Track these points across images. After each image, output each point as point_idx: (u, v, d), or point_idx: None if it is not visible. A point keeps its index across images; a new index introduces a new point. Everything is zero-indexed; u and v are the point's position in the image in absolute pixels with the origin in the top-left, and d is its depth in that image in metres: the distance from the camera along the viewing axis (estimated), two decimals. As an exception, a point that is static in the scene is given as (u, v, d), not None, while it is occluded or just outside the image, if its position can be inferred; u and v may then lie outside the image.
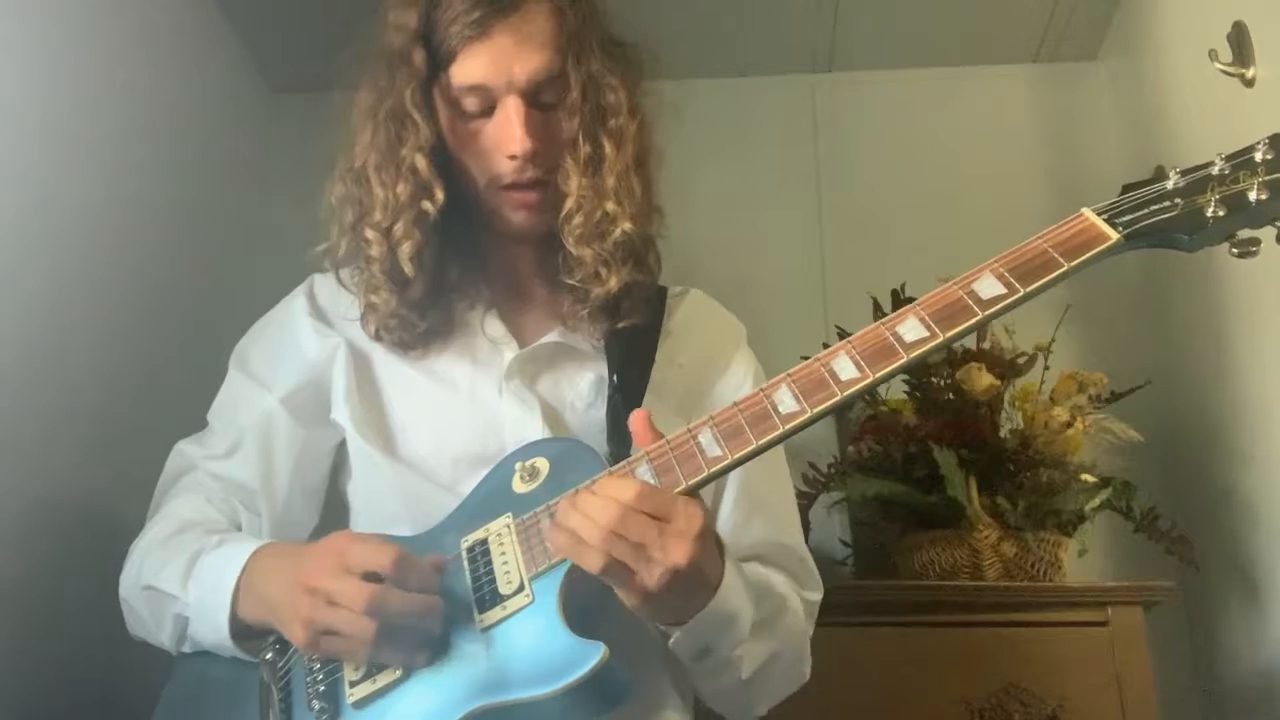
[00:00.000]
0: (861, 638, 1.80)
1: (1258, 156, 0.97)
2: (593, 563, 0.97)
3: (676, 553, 0.97)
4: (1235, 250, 0.99)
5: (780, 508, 1.30)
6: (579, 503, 0.99)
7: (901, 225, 2.52)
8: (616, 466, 1.06)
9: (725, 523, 1.24)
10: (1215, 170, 0.99)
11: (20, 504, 1.56)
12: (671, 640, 1.07)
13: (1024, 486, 1.90)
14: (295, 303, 1.35)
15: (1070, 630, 1.80)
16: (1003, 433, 1.97)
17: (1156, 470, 2.15)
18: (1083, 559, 1.93)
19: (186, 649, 1.20)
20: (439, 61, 1.21)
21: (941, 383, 1.99)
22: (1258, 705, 1.94)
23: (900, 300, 2.00)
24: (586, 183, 1.21)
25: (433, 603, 1.04)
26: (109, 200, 1.87)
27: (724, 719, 1.25)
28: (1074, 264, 0.98)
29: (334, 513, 1.32)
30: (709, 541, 1.01)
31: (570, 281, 1.24)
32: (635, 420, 1.06)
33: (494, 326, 1.28)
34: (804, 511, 2.01)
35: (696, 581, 1.01)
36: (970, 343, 2.01)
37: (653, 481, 1.02)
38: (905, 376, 2.02)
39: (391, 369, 1.28)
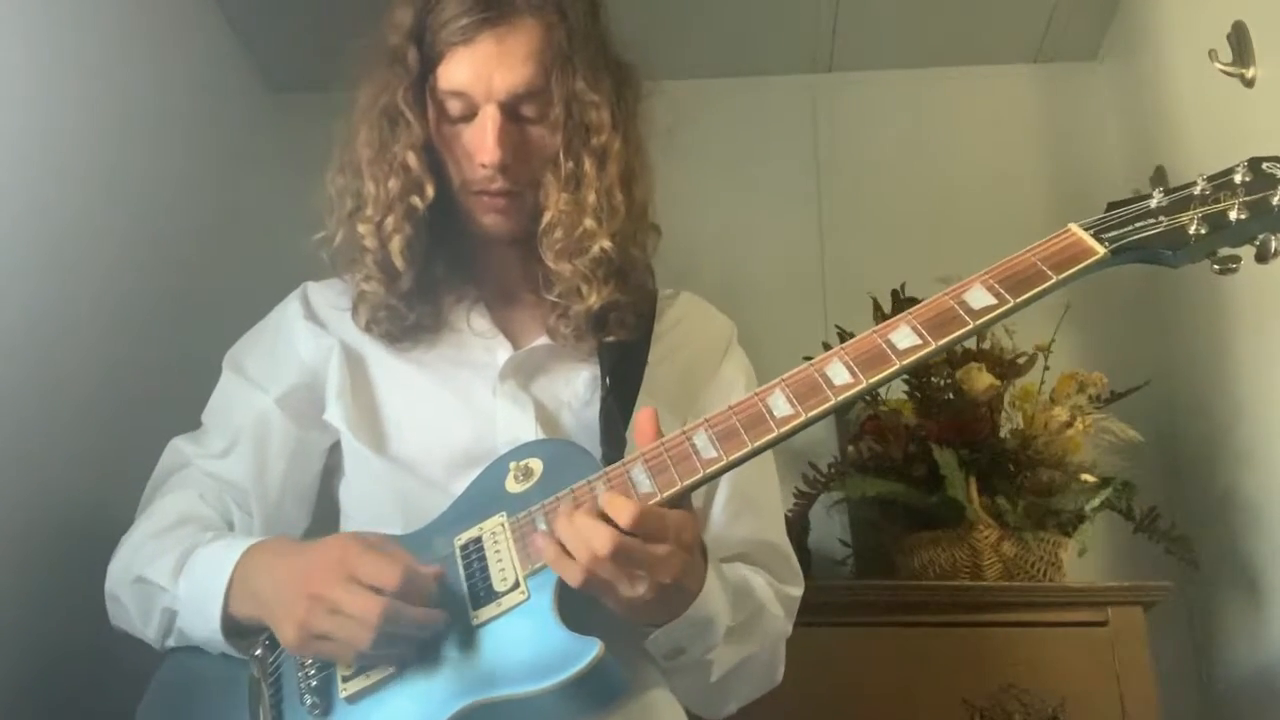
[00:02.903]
0: (861, 638, 1.80)
1: (1237, 178, 1.02)
2: (573, 578, 1.00)
3: (663, 570, 1.00)
4: (1216, 267, 1.04)
5: (767, 507, 1.31)
6: (576, 522, 1.00)
7: (901, 225, 2.52)
8: (611, 467, 1.07)
9: (715, 520, 1.25)
10: (1197, 190, 1.03)
11: (18, 503, 1.56)
12: (648, 639, 1.09)
13: (1024, 486, 1.90)
14: (290, 307, 1.36)
15: (1070, 630, 1.80)
16: (1003, 433, 1.97)
17: (1156, 470, 2.15)
18: (1083, 559, 1.93)
19: (173, 643, 1.19)
20: (429, 62, 1.23)
21: (941, 383, 1.99)
22: (1258, 705, 1.94)
23: (900, 300, 2.00)
24: (568, 198, 1.22)
25: (437, 616, 1.04)
26: (108, 200, 1.88)
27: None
28: (1061, 277, 1.02)
29: (326, 516, 1.32)
30: (695, 555, 1.04)
31: (550, 297, 1.25)
32: (641, 418, 1.07)
33: (480, 322, 1.30)
34: (804, 511, 2.02)
35: (676, 593, 1.04)
36: (970, 343, 2.01)
37: (648, 482, 1.03)
38: (905, 376, 2.02)
39: (385, 368, 1.29)
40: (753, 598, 1.18)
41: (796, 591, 1.27)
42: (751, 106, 2.65)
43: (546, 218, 1.23)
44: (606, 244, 1.22)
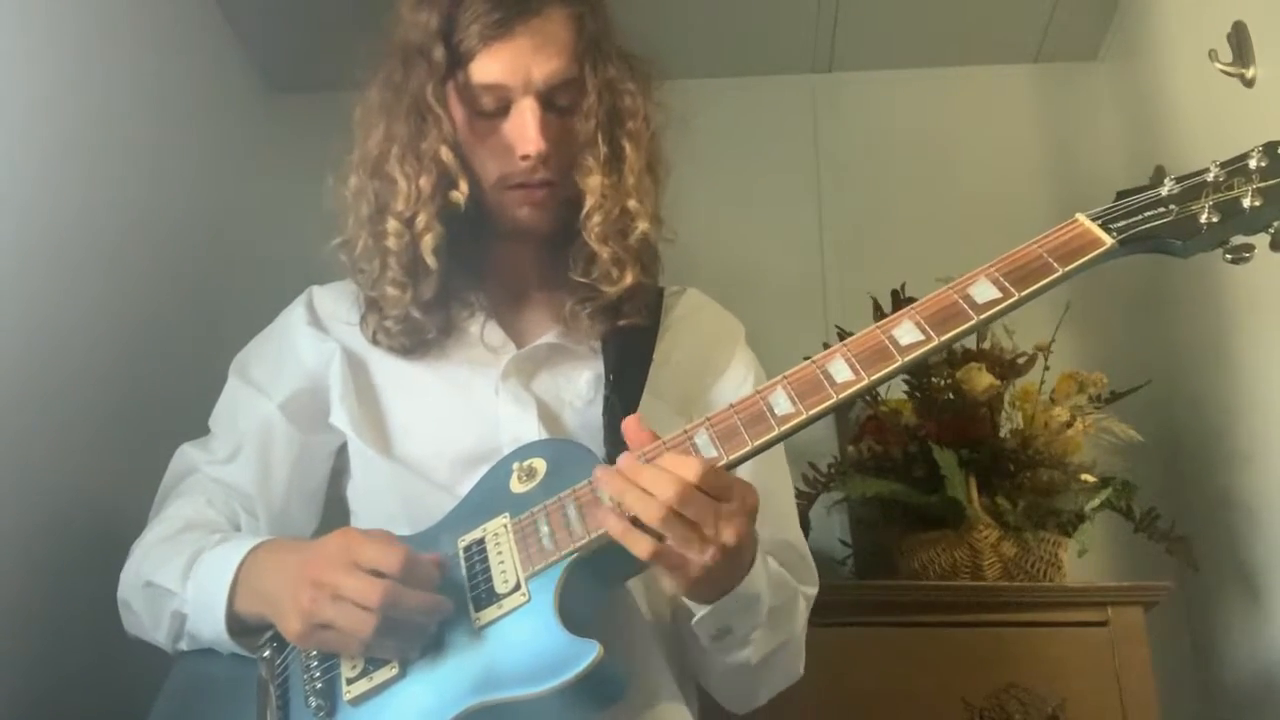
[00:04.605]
0: (861, 638, 1.80)
1: (1252, 163, 0.99)
2: (643, 550, 0.98)
3: (728, 532, 0.98)
4: (1229, 256, 1.00)
5: (783, 506, 1.31)
6: (641, 476, 0.98)
7: (901, 225, 2.52)
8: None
9: None
10: (1210, 177, 1.01)
11: (20, 504, 1.56)
12: (695, 619, 1.08)
13: (1024, 486, 1.90)
14: (294, 313, 1.36)
15: (1070, 630, 1.80)
16: (1003, 433, 1.97)
17: (1156, 470, 2.15)
18: (1083, 559, 1.93)
19: (184, 646, 1.20)
20: (457, 59, 1.23)
21: (941, 383, 1.99)
22: (1258, 705, 1.94)
23: (900, 300, 2.00)
24: (607, 182, 1.23)
25: (441, 602, 1.04)
26: (109, 200, 1.87)
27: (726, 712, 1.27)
28: (1068, 269, 1.00)
29: (335, 516, 1.33)
30: (755, 521, 1.03)
31: (582, 279, 1.25)
32: (626, 426, 1.06)
33: (494, 334, 1.29)
34: (804, 511, 2.01)
35: (739, 560, 1.03)
36: (970, 343, 2.01)
37: None
38: (905, 376, 2.02)
39: (388, 370, 1.29)
40: (788, 584, 1.19)
41: (812, 590, 1.27)
42: (751, 106, 2.65)
43: (588, 202, 1.23)
44: (646, 225, 1.24)
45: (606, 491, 1.01)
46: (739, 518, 0.99)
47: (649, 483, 0.97)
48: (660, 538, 0.98)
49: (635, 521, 0.98)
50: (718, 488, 0.98)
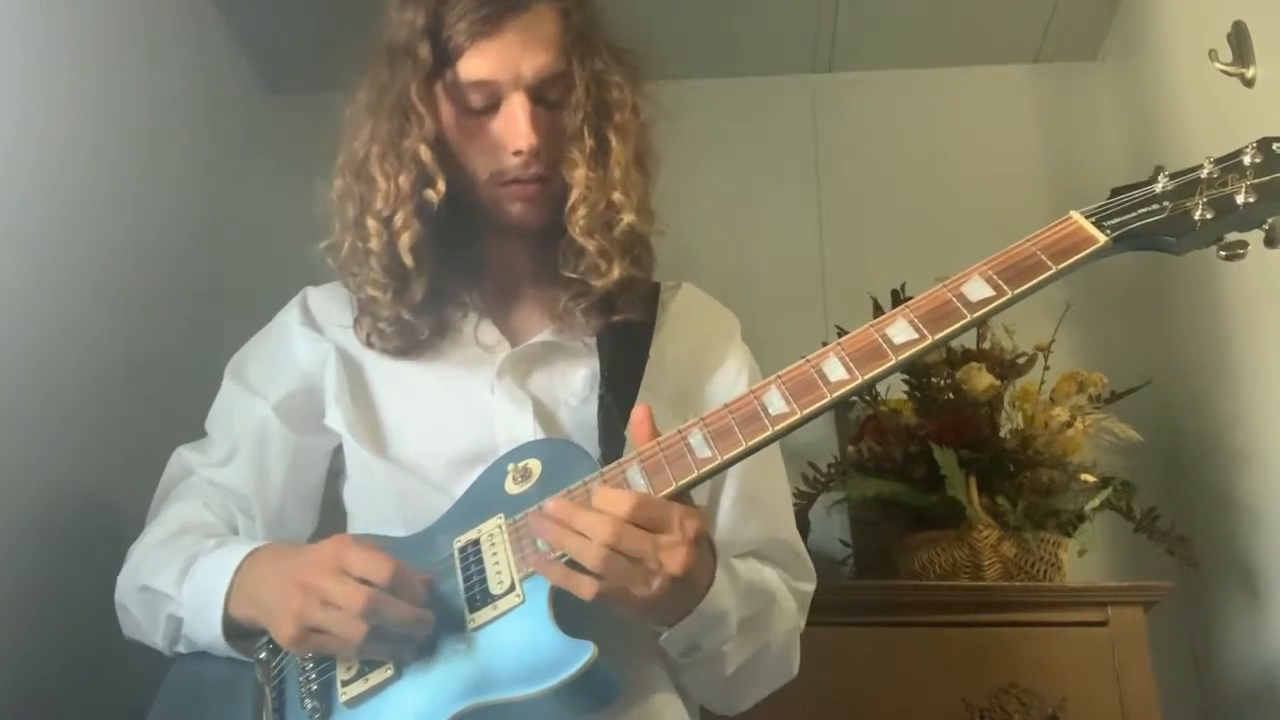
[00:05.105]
0: (861, 638, 1.80)
1: (1246, 160, 0.99)
2: (586, 592, 0.99)
3: (672, 562, 0.99)
4: (1223, 253, 1.00)
5: (777, 505, 1.31)
6: (575, 520, 1.00)
7: (901, 225, 2.52)
8: (608, 468, 1.07)
9: (724, 520, 1.25)
10: (1204, 173, 1.00)
11: (18, 503, 1.56)
12: (661, 637, 1.09)
13: (1024, 486, 1.90)
14: (289, 314, 1.36)
15: (1070, 630, 1.80)
16: (1003, 433, 1.97)
17: (1156, 470, 2.15)
18: (1083, 559, 1.93)
19: (182, 649, 1.21)
20: (445, 57, 1.23)
21: (941, 383, 1.99)
22: (1257, 705, 1.94)
23: (900, 300, 2.00)
24: (593, 175, 1.23)
25: (424, 616, 1.04)
26: (108, 200, 1.88)
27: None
28: (1061, 267, 1.00)
29: (333, 517, 1.32)
30: (703, 548, 1.04)
31: (570, 274, 1.25)
32: (636, 416, 1.07)
33: (488, 333, 1.29)
34: (804, 511, 2.02)
35: (687, 587, 1.03)
36: (970, 342, 2.02)
37: (643, 483, 1.03)
38: (905, 376, 2.03)
39: (383, 371, 1.29)
40: (765, 590, 1.19)
41: (809, 587, 1.27)
42: (751, 106, 2.65)
43: (574, 195, 1.23)
44: (632, 218, 1.23)
45: (542, 539, 1.03)
46: (681, 548, 0.99)
47: (584, 526, 0.99)
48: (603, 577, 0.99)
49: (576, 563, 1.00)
50: (654, 520, 0.99)
